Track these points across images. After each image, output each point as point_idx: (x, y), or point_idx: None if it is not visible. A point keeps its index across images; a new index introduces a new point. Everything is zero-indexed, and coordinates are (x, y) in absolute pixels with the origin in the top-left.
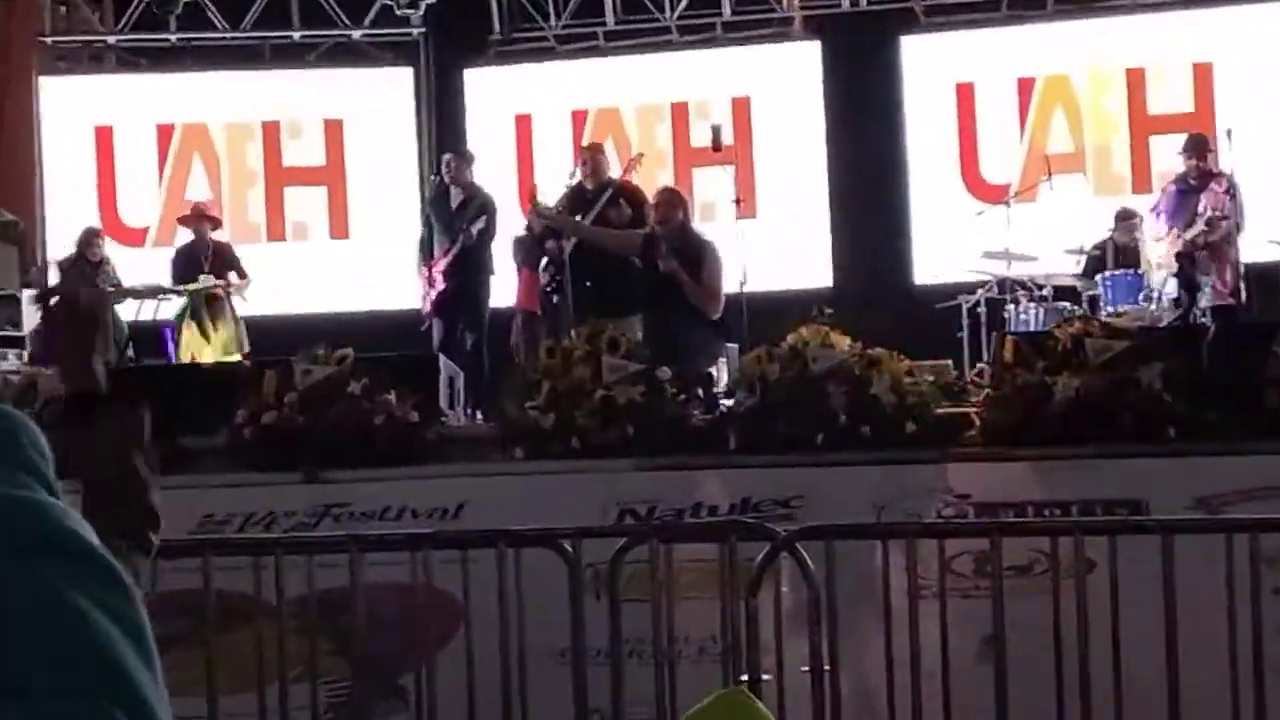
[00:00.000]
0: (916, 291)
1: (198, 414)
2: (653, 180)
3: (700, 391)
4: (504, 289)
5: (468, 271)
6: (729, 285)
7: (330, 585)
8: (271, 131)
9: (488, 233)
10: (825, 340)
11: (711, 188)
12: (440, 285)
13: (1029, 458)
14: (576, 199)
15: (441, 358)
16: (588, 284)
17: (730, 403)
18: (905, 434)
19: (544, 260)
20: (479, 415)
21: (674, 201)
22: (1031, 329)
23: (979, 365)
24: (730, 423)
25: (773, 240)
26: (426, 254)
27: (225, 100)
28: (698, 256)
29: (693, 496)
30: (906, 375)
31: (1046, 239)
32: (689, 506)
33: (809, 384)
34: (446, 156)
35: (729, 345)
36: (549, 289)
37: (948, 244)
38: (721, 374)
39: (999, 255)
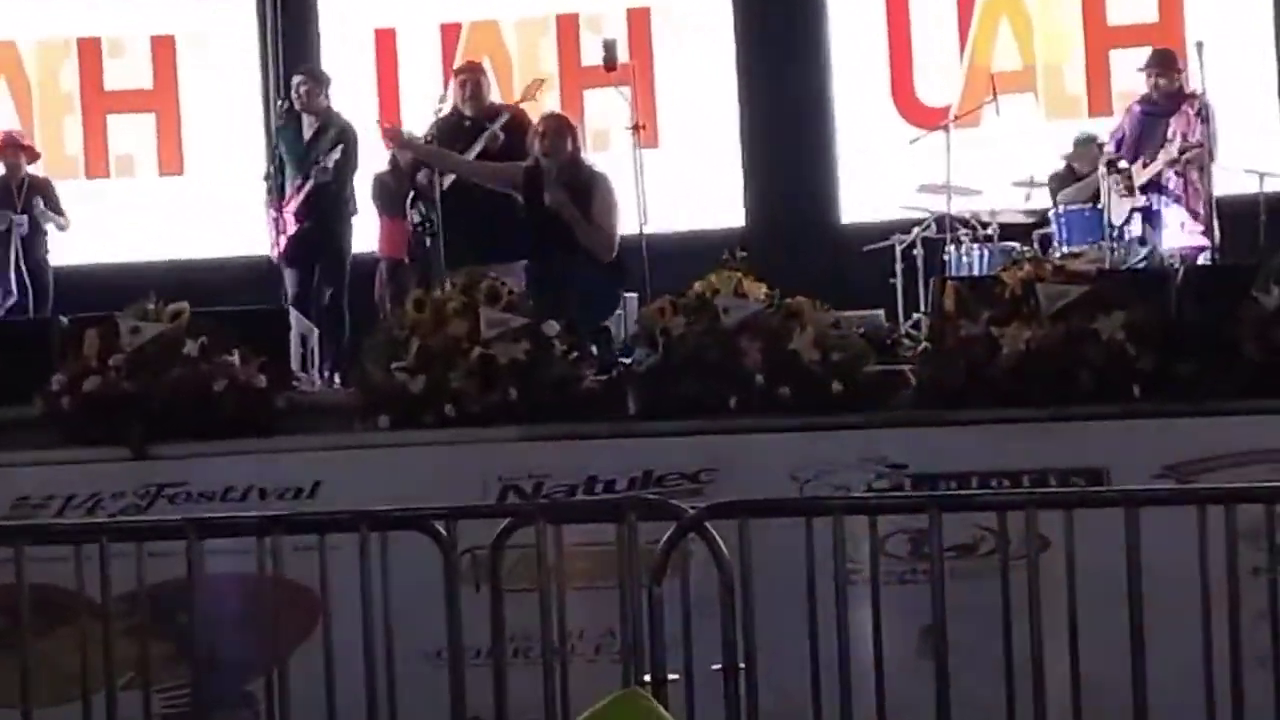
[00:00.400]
0: (843, 232)
1: (5, 379)
2: (535, 106)
3: (594, 349)
4: (366, 233)
5: (324, 212)
6: (626, 225)
7: (164, 578)
8: (90, 50)
9: (347, 166)
10: (738, 288)
11: (605, 113)
12: (291, 228)
13: (973, 421)
14: (451, 129)
15: (293, 313)
16: (463, 226)
17: (629, 361)
18: (831, 395)
19: (411, 198)
20: (337, 379)
21: (561, 129)
22: (975, 273)
23: (915, 316)
24: (629, 384)
25: (677, 174)
26: (275, 193)
27: (35, 14)
28: (588, 191)
29: (586, 470)
30: (832, 328)
31: (991, 170)
32: (581, 482)
33: (719, 339)
34: (297, 78)
35: (627, 295)
36: (418, 231)
37: (878, 177)
38: (619, 328)
39: (937, 189)
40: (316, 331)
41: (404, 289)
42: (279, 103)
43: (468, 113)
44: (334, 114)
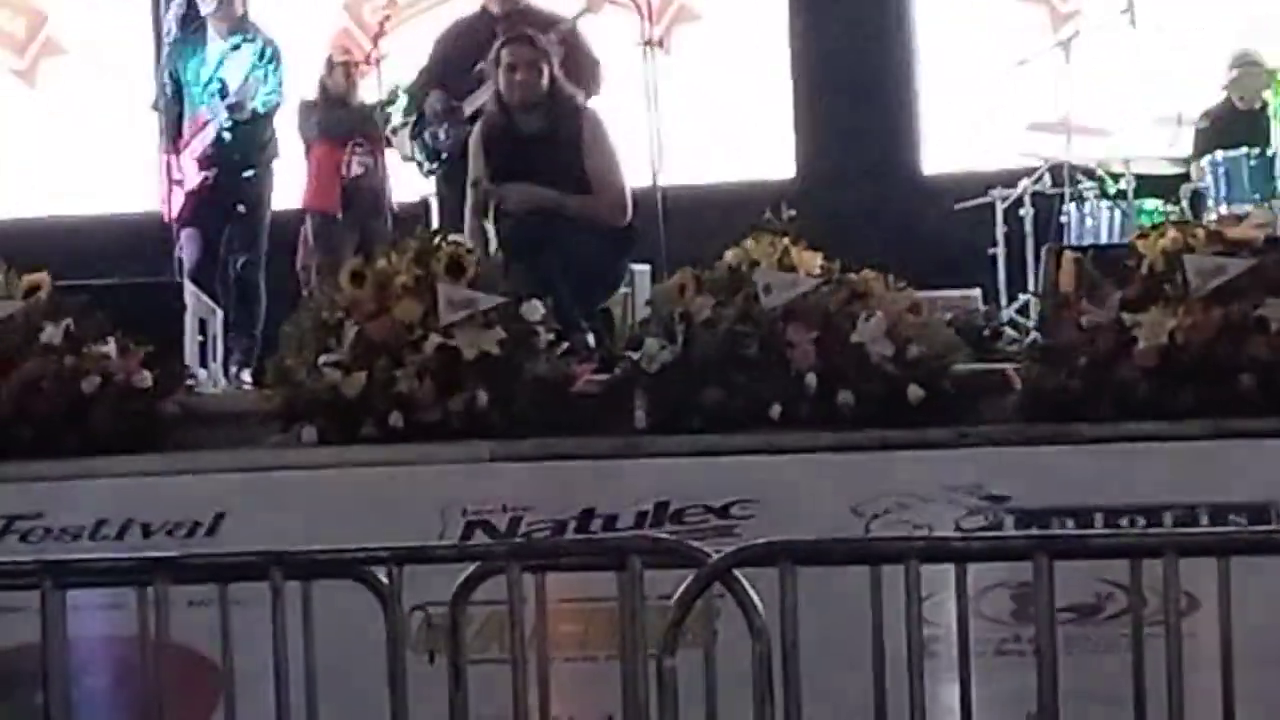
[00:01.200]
0: (926, 185)
1: None
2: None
3: (591, 338)
4: (290, 184)
5: (236, 156)
6: (636, 177)
7: (11, 641)
8: None
9: (269, 94)
10: (784, 259)
11: (602, 23)
12: (193, 178)
13: (1098, 439)
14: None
15: (191, 289)
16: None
17: (637, 356)
18: (907, 404)
19: (415, 123)
20: (247, 377)
21: (533, 56)
22: (1102, 241)
23: (1021, 297)
24: (637, 386)
25: (704, 106)
26: (169, 131)
27: None
28: (574, 133)
29: (578, 501)
30: (910, 313)
31: (1127, 102)
32: (573, 516)
33: (759, 327)
34: None
35: (636, 267)
36: (354, 174)
37: (972, 113)
38: (625, 311)
39: (1052, 128)
40: (220, 313)
41: (337, 256)
42: (172, 8)
43: (495, 10)
44: (251, 25)
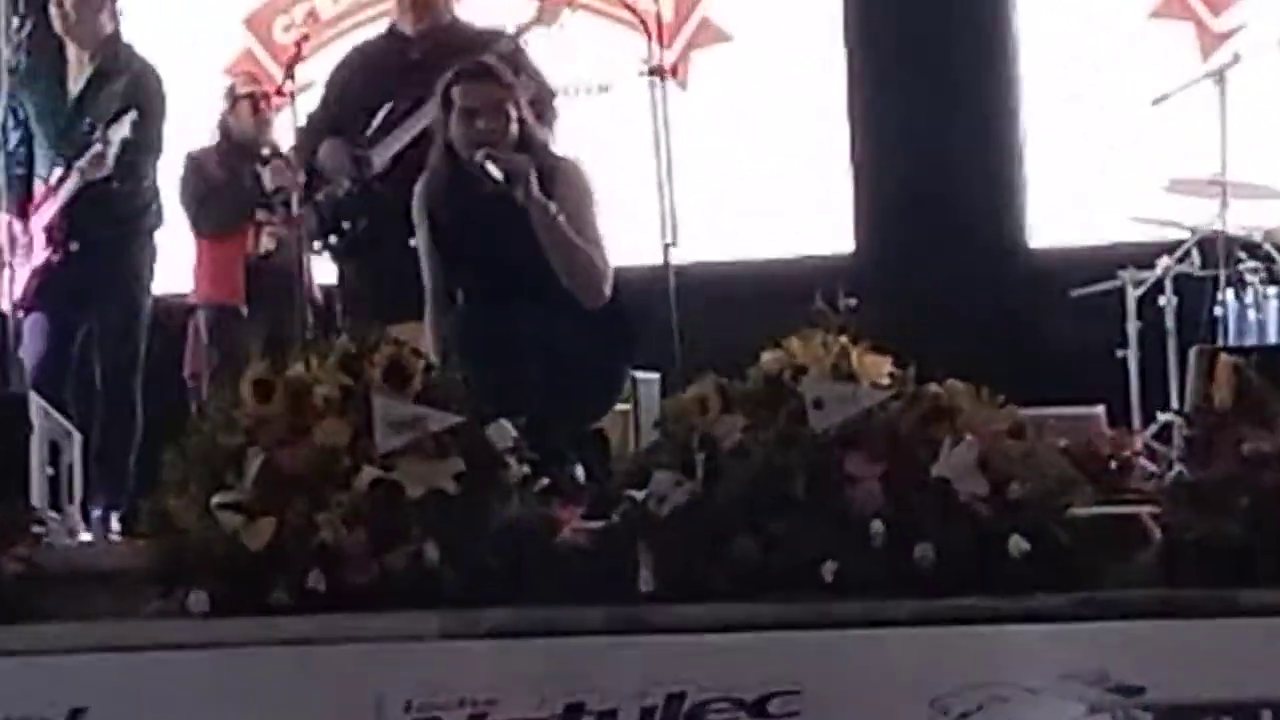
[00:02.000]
0: (1032, 265)
1: None
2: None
3: (581, 472)
4: (177, 262)
5: (101, 224)
6: (637, 252)
7: None
8: None
9: (145, 144)
10: (841, 364)
11: (598, 47)
12: (41, 253)
13: (1265, 608)
14: (381, 66)
15: (38, 402)
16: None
17: (643, 495)
18: (1009, 562)
19: (305, 189)
20: (115, 524)
21: (498, 96)
22: (1271, 340)
23: (1161, 417)
24: (644, 538)
25: (732, 157)
26: (13, 189)
27: None
28: (550, 191)
29: (562, 692)
30: (1010, 437)
31: None
32: (554, 714)
33: (807, 457)
34: None
35: (641, 376)
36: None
37: (1094, 169)
38: (626, 435)
39: (1203, 188)
40: (79, 437)
41: (238, 360)
42: (15, 25)
43: (409, 31)
44: (123, 47)
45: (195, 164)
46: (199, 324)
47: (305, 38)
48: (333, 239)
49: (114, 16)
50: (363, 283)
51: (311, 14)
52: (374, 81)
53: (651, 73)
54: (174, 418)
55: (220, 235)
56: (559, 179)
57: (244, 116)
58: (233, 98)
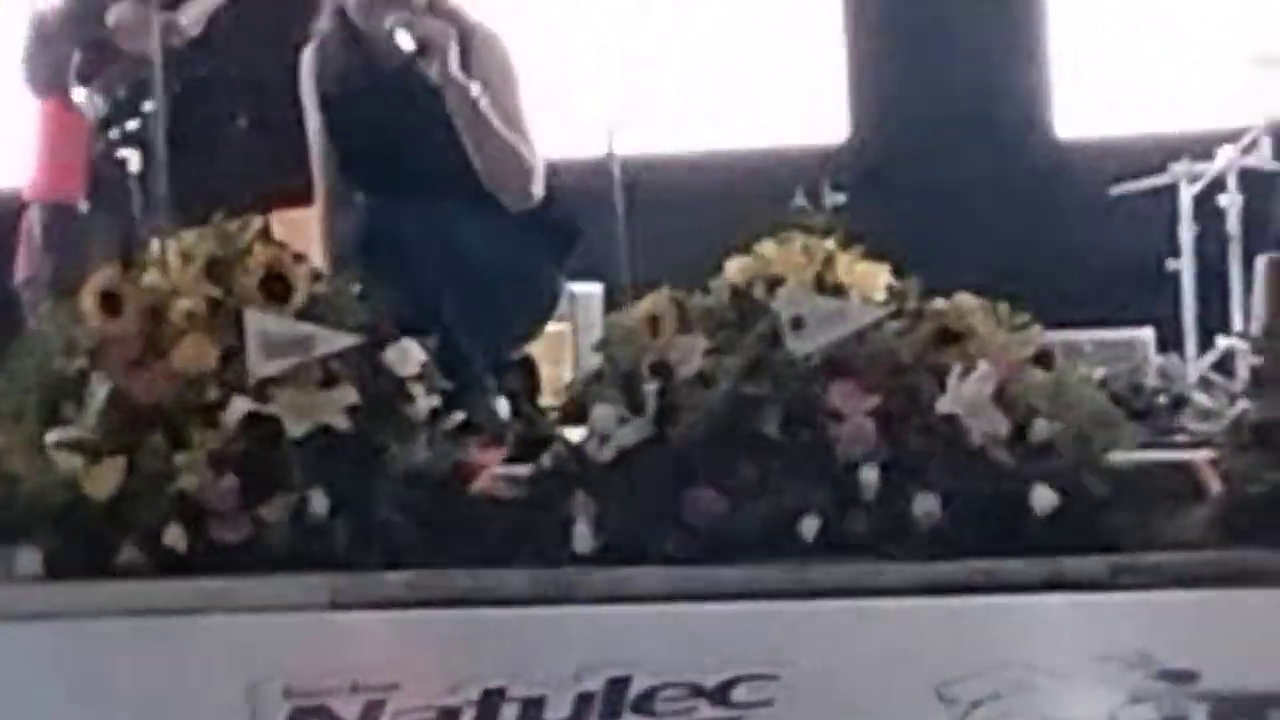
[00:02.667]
0: (1062, 157)
1: None
2: None
3: (504, 406)
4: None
5: None
6: (582, 141)
7: None
8: None
9: None
10: (826, 274)
11: None
12: None
13: None
14: None
15: None
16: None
17: (581, 436)
18: (1031, 517)
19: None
20: None
21: None
22: None
23: (1221, 342)
24: (581, 487)
25: (692, 22)
26: None
27: None
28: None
29: (478, 674)
30: (1035, 366)
31: None
32: (468, 700)
33: (783, 388)
34: None
35: (578, 288)
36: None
37: (1140, 40)
38: (559, 358)
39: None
40: None
41: (80, 266)
42: None
43: None
44: None
45: (38, 19)
46: (31, 224)
47: None
48: (131, 124)
49: None
50: (178, 178)
51: None
52: None
53: None
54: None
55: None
56: (477, 52)
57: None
58: None
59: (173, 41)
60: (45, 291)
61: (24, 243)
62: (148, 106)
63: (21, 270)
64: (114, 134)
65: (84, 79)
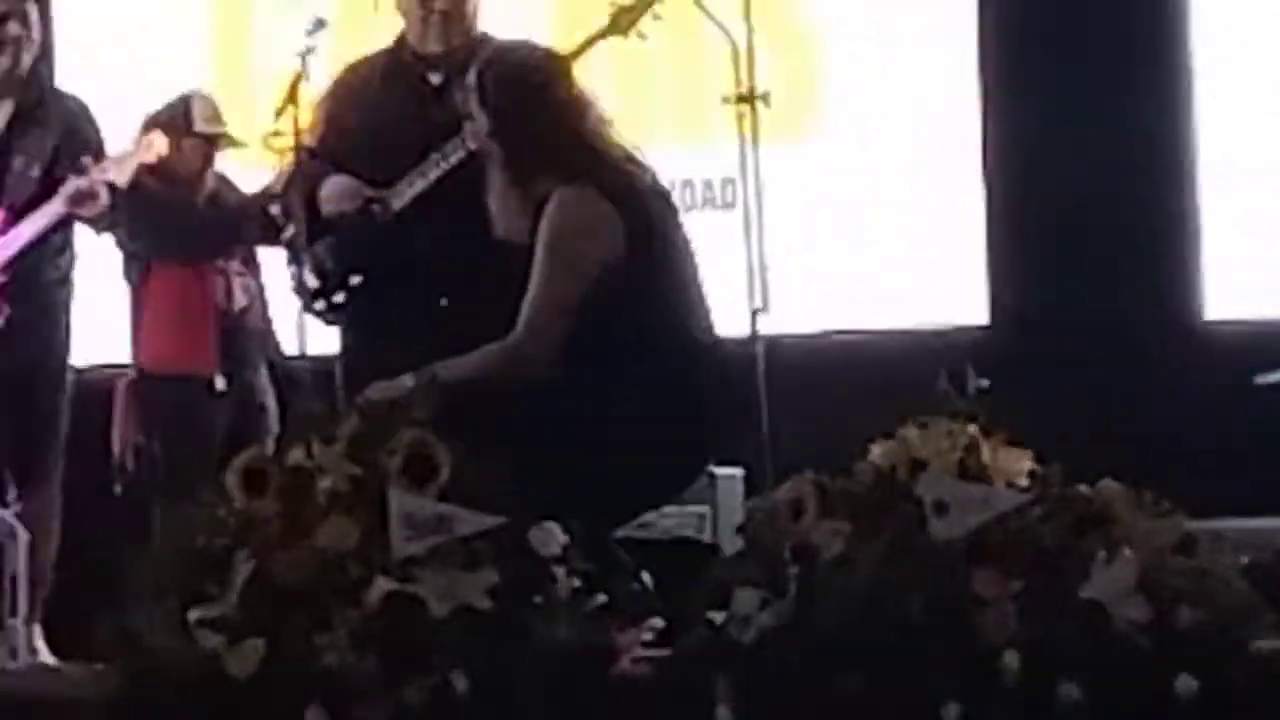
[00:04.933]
0: (1208, 341)
1: None
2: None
3: (646, 587)
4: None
5: (22, 286)
6: (724, 318)
7: None
8: None
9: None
10: (970, 459)
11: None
12: None
13: None
14: (389, 94)
15: None
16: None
17: (723, 618)
18: (1174, 705)
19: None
20: (40, 641)
21: (521, 73)
22: None
23: None
24: (722, 670)
25: (837, 207)
26: None
27: None
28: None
29: None
30: (1178, 553)
31: None
32: None
33: (926, 573)
34: None
35: (720, 471)
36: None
37: None
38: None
39: None
40: (25, 537)
41: (210, 443)
42: None
43: (432, 47)
44: (49, 88)
45: (141, 190)
46: (134, 391)
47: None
48: (339, 297)
49: (16, 55)
50: (373, 351)
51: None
52: (385, 108)
53: (740, 99)
54: (98, 506)
55: (193, 263)
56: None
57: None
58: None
59: (381, 218)
60: (165, 466)
61: (126, 414)
62: (354, 281)
63: (124, 441)
64: (319, 305)
65: (292, 249)
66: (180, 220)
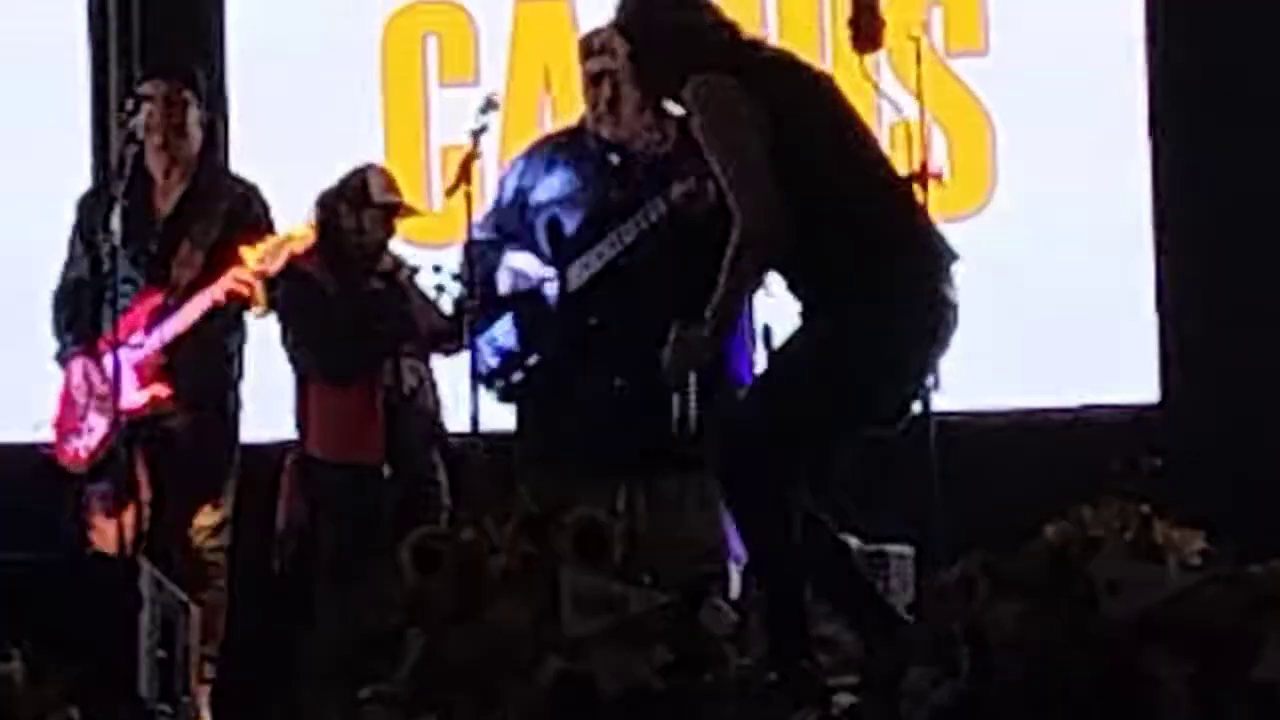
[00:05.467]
0: None
1: None
2: None
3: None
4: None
5: (200, 366)
6: None
7: None
8: None
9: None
10: (1143, 539)
11: None
12: (134, 396)
13: None
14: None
15: (148, 569)
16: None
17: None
18: None
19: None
20: (207, 714)
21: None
22: None
23: None
24: None
25: (1003, 281)
26: (87, 316)
27: None
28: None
29: None
30: None
31: None
32: None
33: (1100, 652)
34: (152, 88)
35: (892, 549)
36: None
37: None
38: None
39: None
40: (196, 612)
41: (379, 525)
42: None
43: (605, 133)
44: (223, 173)
45: (305, 280)
46: (300, 470)
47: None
48: (517, 376)
49: (201, 124)
50: (549, 430)
51: None
52: (570, 183)
53: (921, 174)
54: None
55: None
56: None
57: (376, 226)
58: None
59: (559, 297)
60: (329, 547)
61: (292, 492)
62: (532, 360)
63: (288, 519)
64: (498, 385)
65: (474, 330)
66: (327, 333)
